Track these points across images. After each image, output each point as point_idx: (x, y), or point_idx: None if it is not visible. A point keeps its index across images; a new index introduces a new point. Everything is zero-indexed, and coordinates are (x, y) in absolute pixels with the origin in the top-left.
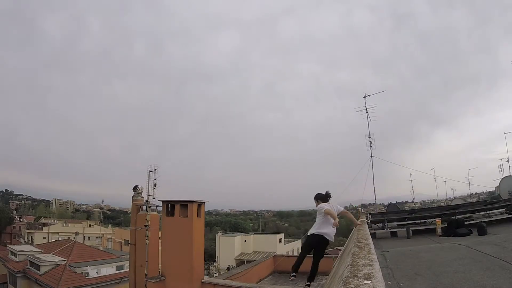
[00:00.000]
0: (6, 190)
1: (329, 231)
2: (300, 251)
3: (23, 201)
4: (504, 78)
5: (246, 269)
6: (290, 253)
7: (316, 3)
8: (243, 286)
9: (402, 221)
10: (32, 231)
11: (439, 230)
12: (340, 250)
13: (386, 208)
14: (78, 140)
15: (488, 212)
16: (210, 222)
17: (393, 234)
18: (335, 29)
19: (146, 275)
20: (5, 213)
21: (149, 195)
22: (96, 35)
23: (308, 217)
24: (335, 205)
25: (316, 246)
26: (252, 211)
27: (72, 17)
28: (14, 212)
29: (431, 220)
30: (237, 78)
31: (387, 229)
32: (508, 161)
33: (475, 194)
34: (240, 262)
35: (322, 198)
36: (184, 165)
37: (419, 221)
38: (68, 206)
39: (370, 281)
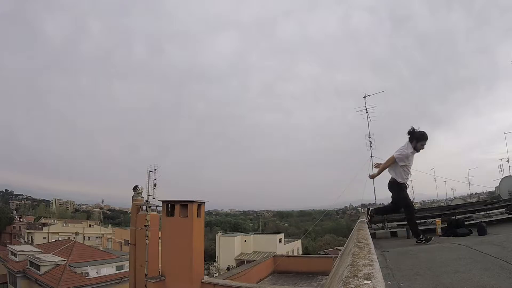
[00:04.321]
0: (6, 190)
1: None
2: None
3: (23, 201)
4: (502, 79)
5: (246, 269)
6: (290, 253)
7: (315, 5)
8: (243, 286)
9: (402, 221)
10: (32, 231)
11: (439, 230)
12: (340, 250)
13: None
14: (78, 140)
15: (488, 212)
16: (210, 222)
17: (393, 234)
18: (334, 30)
19: (146, 275)
20: (5, 213)
21: (149, 195)
22: (96, 36)
23: (308, 217)
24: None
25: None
26: (252, 211)
27: (72, 19)
28: (14, 212)
29: (431, 220)
30: (236, 79)
31: (387, 229)
32: (508, 161)
33: (475, 194)
34: (240, 262)
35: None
36: (184, 165)
37: (419, 221)
38: (68, 206)
39: (370, 281)
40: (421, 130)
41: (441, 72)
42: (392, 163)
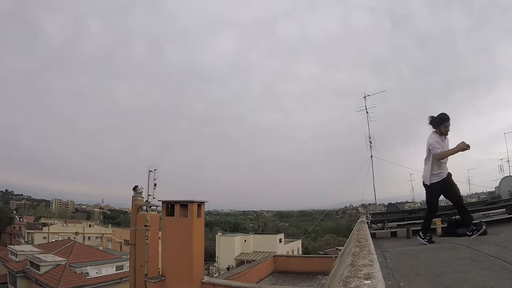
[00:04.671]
0: (6, 190)
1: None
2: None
3: (23, 201)
4: (502, 79)
5: (246, 269)
6: (290, 253)
7: (315, 5)
8: (243, 286)
9: (402, 221)
10: (32, 231)
11: (439, 230)
12: (340, 250)
13: (386, 208)
14: (78, 140)
15: (488, 212)
16: (210, 222)
17: (393, 234)
18: (334, 30)
19: (146, 275)
20: (5, 213)
21: (149, 195)
22: (96, 36)
23: (308, 217)
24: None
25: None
26: (252, 211)
27: (72, 18)
28: (14, 212)
29: None
30: (236, 79)
31: (387, 229)
32: (508, 161)
33: (475, 194)
34: (240, 262)
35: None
36: (184, 165)
37: (419, 221)
38: (68, 206)
39: (370, 281)
40: (440, 113)
41: (441, 72)
42: (437, 159)
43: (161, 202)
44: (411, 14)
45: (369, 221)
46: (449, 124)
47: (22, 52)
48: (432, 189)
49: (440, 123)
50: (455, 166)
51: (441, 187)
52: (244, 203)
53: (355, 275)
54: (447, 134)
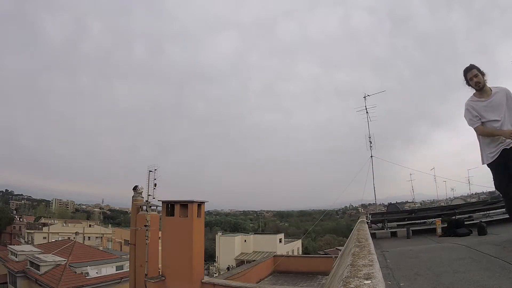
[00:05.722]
0: (6, 190)
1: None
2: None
3: (23, 201)
4: (502, 79)
5: (246, 269)
6: (290, 253)
7: (315, 5)
8: (243, 286)
9: (402, 221)
10: (32, 231)
11: (439, 230)
12: (340, 250)
13: (386, 208)
14: (78, 140)
15: (488, 212)
16: (210, 222)
17: (393, 234)
18: (334, 30)
19: (146, 275)
20: (5, 213)
21: (149, 195)
22: (96, 36)
23: (308, 217)
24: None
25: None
26: (252, 211)
27: (73, 19)
28: (14, 212)
29: (431, 220)
30: (236, 79)
31: (387, 229)
32: None
33: (475, 194)
34: (240, 262)
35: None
36: (184, 165)
37: (419, 221)
38: (68, 206)
39: (370, 281)
40: None
41: (441, 72)
42: (479, 135)
43: (161, 202)
44: (411, 14)
45: (369, 221)
46: (475, 73)
47: (22, 52)
48: (492, 170)
49: (466, 79)
50: (455, 167)
51: (493, 167)
52: (244, 203)
53: (355, 275)
54: (480, 87)
